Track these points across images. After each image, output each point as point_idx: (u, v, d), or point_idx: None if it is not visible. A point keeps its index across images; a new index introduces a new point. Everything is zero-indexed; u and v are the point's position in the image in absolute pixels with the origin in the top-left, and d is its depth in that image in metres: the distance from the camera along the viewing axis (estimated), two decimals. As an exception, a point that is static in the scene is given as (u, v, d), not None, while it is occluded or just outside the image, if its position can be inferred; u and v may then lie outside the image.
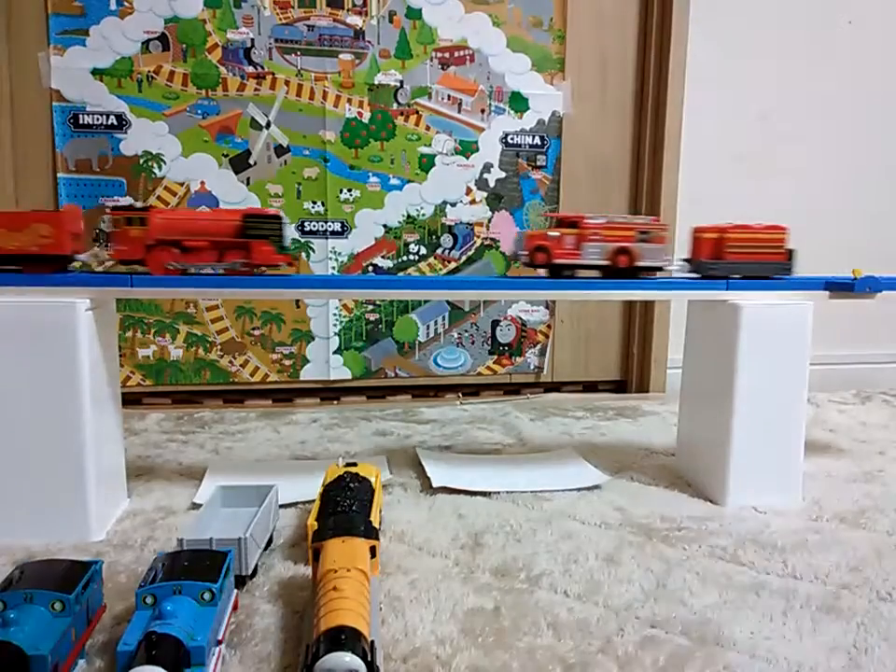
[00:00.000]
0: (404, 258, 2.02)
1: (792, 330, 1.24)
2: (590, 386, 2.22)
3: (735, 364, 1.24)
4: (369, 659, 0.69)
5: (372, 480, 1.11)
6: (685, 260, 1.31)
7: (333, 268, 1.97)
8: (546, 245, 1.25)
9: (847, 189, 2.25)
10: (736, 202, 2.05)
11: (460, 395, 2.08)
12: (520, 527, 1.14)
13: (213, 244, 1.14)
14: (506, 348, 2.13)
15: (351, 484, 1.04)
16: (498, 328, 2.11)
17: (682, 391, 1.45)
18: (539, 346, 2.15)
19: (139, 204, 1.16)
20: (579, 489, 1.31)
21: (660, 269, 1.27)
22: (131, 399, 1.92)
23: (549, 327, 2.14)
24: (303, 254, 1.96)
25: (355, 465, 1.15)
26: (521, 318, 2.12)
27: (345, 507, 0.97)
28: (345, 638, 0.68)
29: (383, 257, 2.00)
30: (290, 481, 1.28)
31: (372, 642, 0.72)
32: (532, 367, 2.15)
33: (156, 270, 1.13)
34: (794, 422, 1.28)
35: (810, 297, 1.27)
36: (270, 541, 1.05)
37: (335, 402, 2.03)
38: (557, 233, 1.26)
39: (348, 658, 0.67)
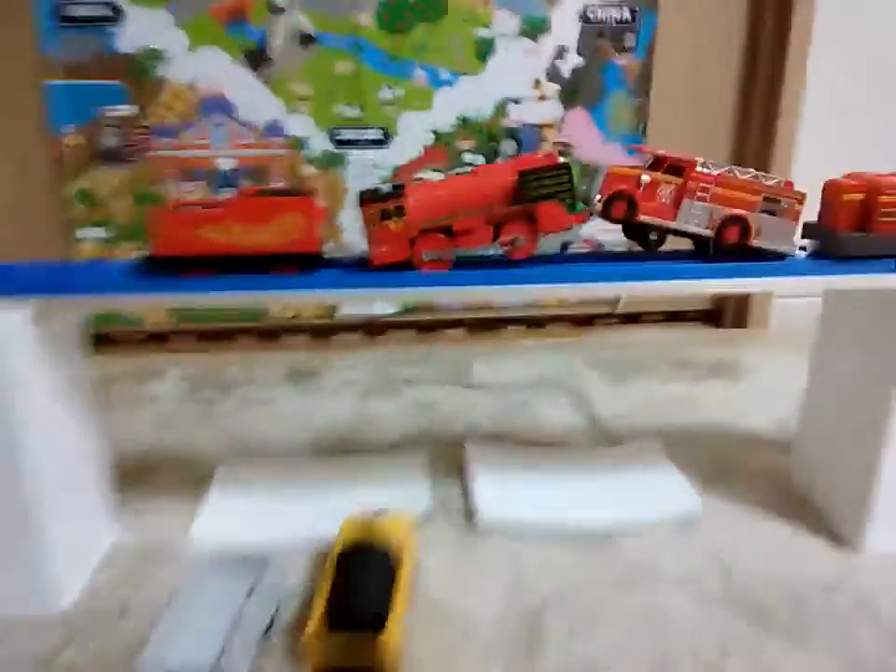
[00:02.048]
0: (457, 169, 1.68)
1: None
2: (674, 316, 1.90)
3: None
4: None
5: (400, 542, 0.88)
6: (810, 231, 0.95)
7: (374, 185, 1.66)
8: (631, 192, 0.90)
9: None
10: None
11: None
12: (592, 600, 0.90)
13: (487, 218, 0.88)
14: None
15: (366, 565, 0.81)
16: (569, 249, 1.79)
17: (811, 380, 1.13)
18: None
19: (385, 187, 0.90)
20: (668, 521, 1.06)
21: (784, 256, 0.93)
22: (156, 336, 1.72)
23: (631, 247, 1.80)
24: (338, 168, 1.64)
25: (382, 514, 0.91)
26: (596, 240, 1.78)
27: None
28: None
29: (432, 170, 1.67)
30: (308, 502, 1.08)
31: None
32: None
33: (425, 266, 0.89)
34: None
35: None
36: (271, 624, 0.83)
37: (377, 340, 1.78)
38: (649, 178, 0.92)
39: None
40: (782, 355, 1.62)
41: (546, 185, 0.87)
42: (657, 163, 0.93)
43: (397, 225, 0.87)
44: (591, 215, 0.92)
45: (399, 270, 0.89)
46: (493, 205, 0.88)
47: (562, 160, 0.90)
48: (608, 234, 1.77)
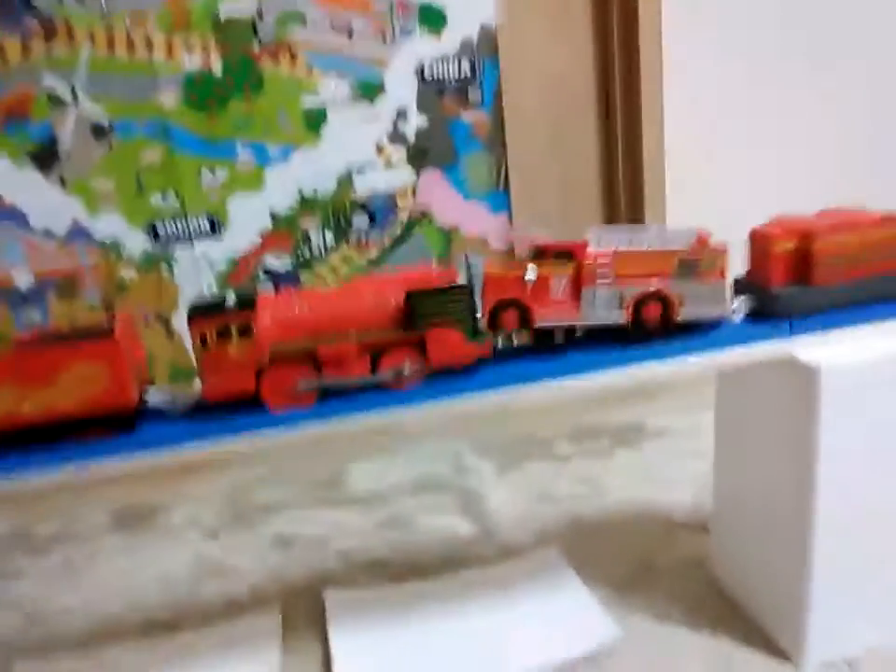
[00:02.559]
0: (305, 252, 1.49)
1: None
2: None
3: (816, 453, 0.76)
4: None
5: None
6: (741, 287, 0.80)
7: (209, 282, 1.44)
8: (518, 297, 0.73)
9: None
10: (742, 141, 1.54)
11: None
12: None
13: (364, 345, 0.70)
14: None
15: None
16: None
17: (717, 456, 0.96)
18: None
19: (229, 298, 0.72)
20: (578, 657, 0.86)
21: (718, 322, 0.77)
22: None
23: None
24: (163, 268, 1.42)
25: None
26: (474, 307, 1.61)
27: None
28: None
29: (277, 255, 1.47)
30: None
31: None
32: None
33: (277, 403, 0.69)
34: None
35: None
36: None
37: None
38: (535, 274, 0.74)
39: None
40: (696, 409, 1.46)
41: (441, 309, 0.71)
42: (540, 253, 0.76)
43: (240, 349, 0.67)
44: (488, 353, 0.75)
45: (247, 407, 0.69)
46: (371, 329, 0.70)
47: (461, 280, 0.73)
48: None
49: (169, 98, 1.36)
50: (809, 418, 0.75)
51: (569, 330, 0.77)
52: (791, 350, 0.76)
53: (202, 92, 1.36)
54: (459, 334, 0.71)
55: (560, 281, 0.74)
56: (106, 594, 1.08)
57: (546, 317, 0.74)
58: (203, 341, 0.67)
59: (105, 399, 0.66)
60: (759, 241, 0.79)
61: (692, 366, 0.76)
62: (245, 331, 0.67)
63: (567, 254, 0.74)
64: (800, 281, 0.77)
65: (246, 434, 0.70)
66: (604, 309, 0.74)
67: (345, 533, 1.17)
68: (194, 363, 0.68)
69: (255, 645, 0.93)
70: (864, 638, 0.85)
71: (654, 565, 1.02)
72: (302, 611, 0.98)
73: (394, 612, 0.96)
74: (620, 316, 0.74)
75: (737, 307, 0.77)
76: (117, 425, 0.68)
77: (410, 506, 1.23)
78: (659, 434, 1.41)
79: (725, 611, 0.93)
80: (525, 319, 0.73)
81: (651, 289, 0.73)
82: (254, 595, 1.04)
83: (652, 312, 0.74)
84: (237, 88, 1.37)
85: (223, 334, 0.67)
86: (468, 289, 0.71)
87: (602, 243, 0.74)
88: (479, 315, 0.73)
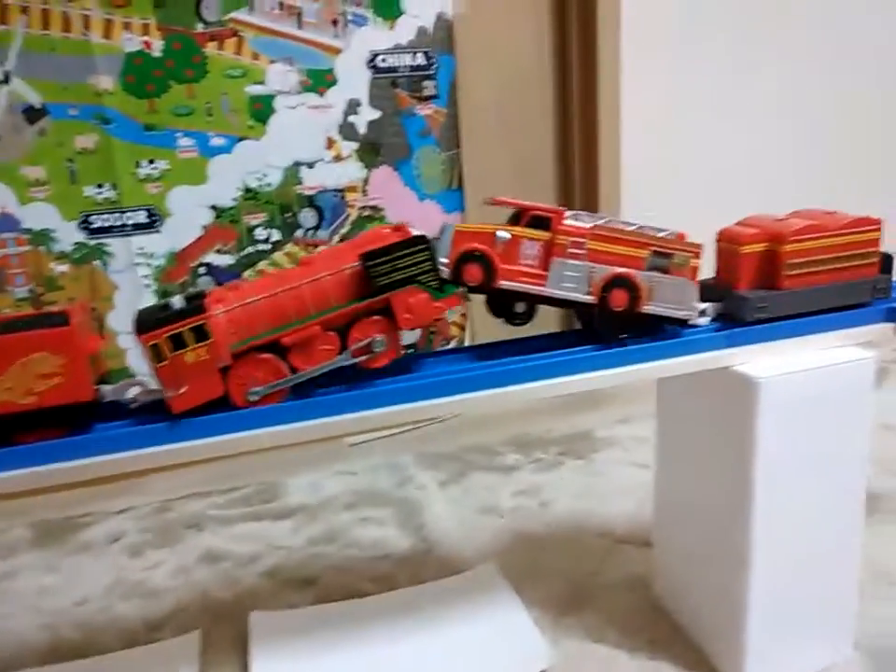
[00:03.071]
0: (250, 249, 1.43)
1: (843, 407, 0.73)
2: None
3: (752, 470, 0.72)
4: None
5: None
6: (707, 291, 0.75)
7: (147, 277, 1.38)
8: (485, 251, 0.68)
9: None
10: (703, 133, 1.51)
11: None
12: None
13: (327, 322, 0.66)
14: (411, 350, 1.58)
15: None
16: (397, 324, 1.56)
17: (658, 460, 0.93)
18: (455, 342, 1.61)
19: (176, 301, 0.67)
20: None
21: (682, 322, 0.73)
22: None
23: (464, 316, 1.59)
24: (97, 262, 1.35)
25: None
26: (426, 308, 1.56)
27: None
28: None
29: (218, 251, 1.41)
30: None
31: None
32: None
33: (248, 403, 0.65)
34: (845, 546, 0.79)
35: (864, 337, 0.74)
36: None
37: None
38: (508, 234, 0.69)
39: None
40: (648, 417, 1.43)
41: (400, 267, 0.66)
42: (518, 217, 0.72)
43: (198, 354, 0.62)
44: (466, 297, 0.71)
45: (214, 409, 0.64)
46: (333, 304, 0.66)
47: (416, 231, 0.68)
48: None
49: (108, 81, 1.29)
50: (748, 431, 0.72)
51: (532, 299, 0.73)
52: (731, 361, 0.73)
53: (141, 77, 1.29)
54: (425, 294, 0.66)
55: (532, 246, 0.70)
56: (21, 613, 1.01)
57: (511, 279, 0.69)
58: (158, 353, 0.62)
59: (60, 394, 0.60)
60: (727, 242, 0.76)
61: (628, 376, 0.72)
62: (201, 334, 0.62)
63: (544, 220, 0.70)
64: (768, 284, 0.73)
65: (213, 438, 0.64)
66: (571, 283, 0.70)
67: (276, 549, 1.12)
68: (152, 377, 0.63)
69: (171, 670, 0.87)
70: (806, 662, 0.83)
71: (595, 583, 0.99)
72: (226, 635, 0.93)
73: (321, 635, 0.91)
74: (587, 295, 0.70)
75: (705, 311, 0.74)
76: (70, 422, 0.62)
77: (345, 520, 1.18)
78: (609, 443, 1.38)
79: (666, 633, 0.89)
80: (488, 276, 0.69)
81: (622, 272, 0.69)
82: (174, 616, 0.98)
83: (619, 299, 0.70)
84: (178, 72, 1.31)
85: (178, 342, 0.62)
86: (424, 240, 0.66)
87: (581, 217, 0.71)
88: (443, 263, 0.68)
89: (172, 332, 0.62)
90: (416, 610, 0.95)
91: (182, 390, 0.62)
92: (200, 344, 0.62)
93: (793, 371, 0.71)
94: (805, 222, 0.73)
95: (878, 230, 0.74)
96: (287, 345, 0.65)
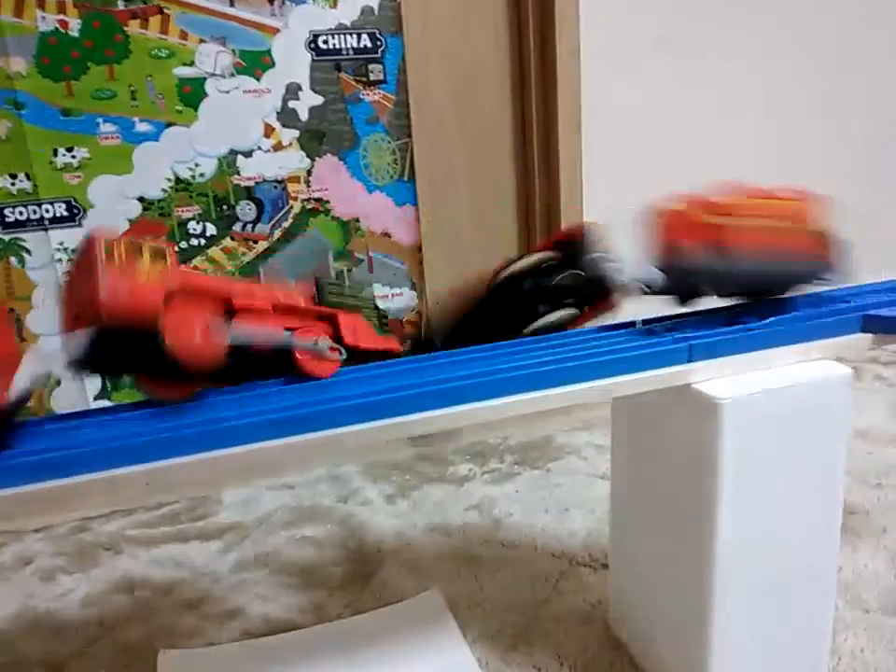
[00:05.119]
0: (182, 244, 1.32)
1: (815, 427, 0.65)
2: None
3: (715, 494, 0.64)
4: None
5: None
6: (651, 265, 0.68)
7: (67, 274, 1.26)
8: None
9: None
10: (662, 111, 1.43)
11: None
12: None
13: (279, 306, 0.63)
14: (362, 353, 1.48)
15: None
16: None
17: (614, 475, 0.84)
18: (409, 342, 1.51)
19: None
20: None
21: None
22: None
23: (419, 314, 1.50)
24: (13, 259, 1.24)
25: None
26: (378, 307, 1.47)
27: None
28: None
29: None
30: None
31: None
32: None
33: (179, 342, 0.55)
34: (819, 574, 0.71)
35: (840, 350, 0.66)
36: None
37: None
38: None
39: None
40: (604, 424, 1.35)
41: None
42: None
43: (151, 272, 0.55)
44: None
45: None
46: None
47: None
48: (391, 300, 1.46)
49: (19, 63, 1.17)
50: (710, 454, 0.64)
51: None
52: (691, 379, 0.64)
53: (57, 58, 1.18)
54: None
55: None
56: None
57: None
58: (110, 253, 0.54)
59: None
60: (667, 219, 0.68)
61: (577, 395, 0.64)
62: (160, 256, 0.56)
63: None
64: (711, 257, 0.66)
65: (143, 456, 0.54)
66: None
67: (200, 575, 1.02)
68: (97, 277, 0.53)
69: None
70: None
71: (547, 612, 0.90)
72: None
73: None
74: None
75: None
76: None
77: (280, 541, 1.09)
78: (568, 451, 1.30)
79: (621, 668, 0.81)
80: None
81: None
82: (80, 655, 0.88)
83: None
84: (98, 53, 1.20)
85: (133, 252, 0.55)
86: None
87: None
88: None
89: (131, 242, 0.56)
90: (348, 645, 0.86)
91: (123, 291, 0.54)
92: (155, 265, 0.56)
93: (759, 390, 0.62)
94: (745, 195, 0.67)
95: (807, 203, 0.68)
96: (237, 309, 0.60)
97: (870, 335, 0.67)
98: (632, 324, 0.73)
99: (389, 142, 1.39)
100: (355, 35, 1.31)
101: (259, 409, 0.58)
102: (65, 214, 1.24)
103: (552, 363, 0.63)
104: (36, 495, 0.52)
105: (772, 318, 0.67)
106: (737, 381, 0.64)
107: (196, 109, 1.26)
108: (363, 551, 1.05)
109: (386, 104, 1.36)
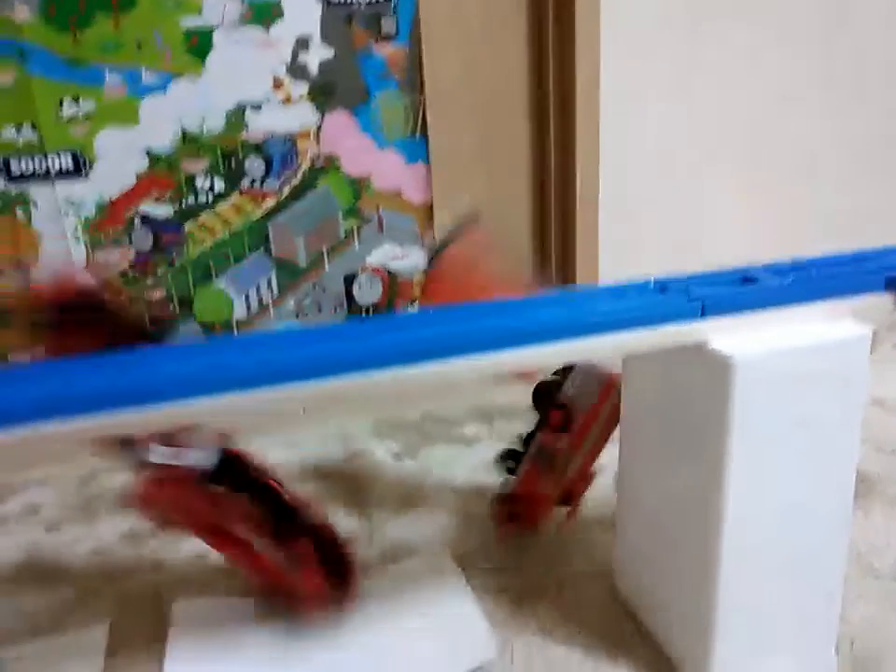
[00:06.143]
0: (190, 199, 1.30)
1: (832, 390, 0.63)
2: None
3: (725, 457, 0.62)
4: None
5: None
6: None
7: (75, 229, 1.25)
8: None
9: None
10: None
11: None
12: None
13: None
14: (370, 312, 1.47)
15: None
16: (356, 284, 1.44)
17: (623, 437, 0.83)
18: (417, 304, 1.50)
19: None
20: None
21: None
22: None
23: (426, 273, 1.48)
24: (19, 211, 1.23)
25: None
26: (388, 268, 1.45)
27: None
28: None
29: (155, 201, 1.29)
30: None
31: None
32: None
33: None
34: (830, 543, 0.70)
35: (861, 311, 0.64)
36: None
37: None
38: None
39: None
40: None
41: None
42: None
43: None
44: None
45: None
46: None
47: None
48: (402, 260, 1.44)
49: (24, 12, 1.14)
50: (722, 415, 0.62)
51: None
52: (704, 337, 0.62)
53: (63, 7, 1.15)
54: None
55: None
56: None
57: None
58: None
59: None
60: None
61: (589, 351, 0.62)
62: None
63: None
64: None
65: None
66: None
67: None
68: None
69: (72, 665, 0.78)
70: (782, 668, 0.74)
71: (555, 572, 0.90)
72: (139, 626, 0.83)
73: (250, 626, 0.82)
74: None
75: None
76: None
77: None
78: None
79: (627, 631, 0.81)
80: None
81: None
82: (84, 602, 0.88)
83: None
84: (104, 2, 1.17)
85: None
86: None
87: None
88: None
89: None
90: (359, 598, 0.86)
91: None
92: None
93: (775, 348, 0.61)
94: None
95: None
96: None
97: (893, 296, 0.64)
98: (646, 283, 0.70)
99: (401, 97, 1.35)
100: (367, -14, 1.28)
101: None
102: (71, 167, 1.22)
103: (565, 318, 0.61)
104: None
105: (790, 276, 0.65)
106: (752, 339, 0.62)
107: (203, 61, 1.24)
108: (369, 508, 1.05)
109: (399, 58, 1.33)
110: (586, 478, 0.90)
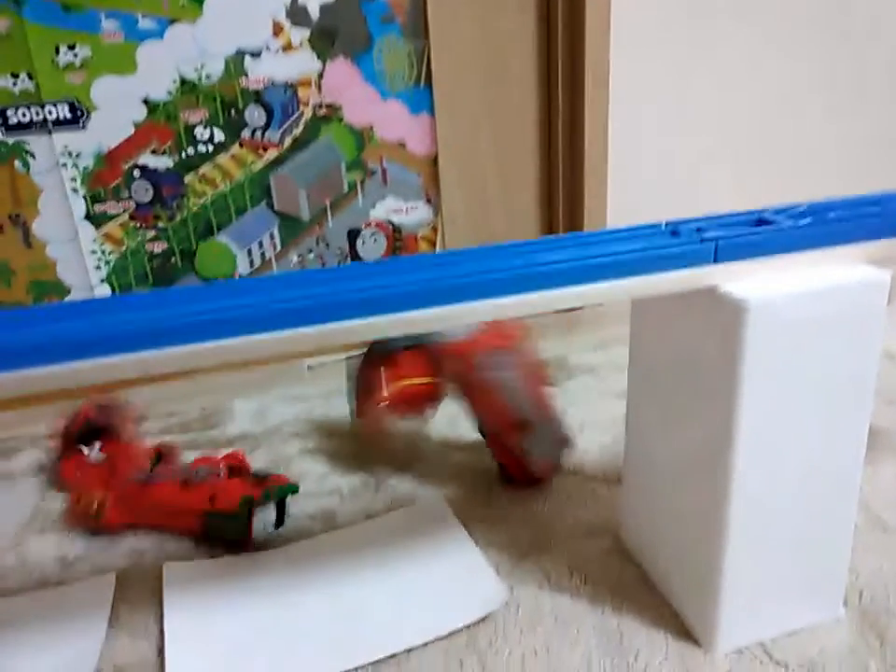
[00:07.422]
0: (189, 150, 1.27)
1: (847, 336, 0.61)
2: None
3: (736, 406, 0.61)
4: None
5: None
6: None
7: (74, 181, 1.23)
8: None
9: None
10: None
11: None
12: None
13: None
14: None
15: None
16: (360, 239, 1.42)
17: (630, 388, 0.82)
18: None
19: None
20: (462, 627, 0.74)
21: None
22: None
23: (435, 230, 1.45)
24: (17, 163, 1.21)
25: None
26: (392, 222, 1.43)
27: None
28: None
29: (153, 152, 1.26)
30: None
31: None
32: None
33: None
34: (840, 495, 0.68)
35: (880, 257, 0.61)
36: None
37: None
38: None
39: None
40: (621, 343, 1.32)
41: None
42: None
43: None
44: None
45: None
46: None
47: None
48: (407, 214, 1.42)
49: (14, -48, 1.11)
50: (733, 362, 0.60)
51: None
52: (716, 281, 0.60)
53: (53, -55, 1.12)
54: None
55: None
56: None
57: None
58: None
59: None
60: None
61: (597, 295, 0.60)
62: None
63: None
64: None
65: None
66: None
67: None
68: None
69: (80, 615, 0.78)
70: (789, 621, 0.74)
71: (559, 525, 0.89)
72: (144, 578, 0.83)
73: (251, 583, 0.82)
74: None
75: None
76: None
77: (291, 451, 1.08)
78: (583, 370, 1.27)
79: (631, 584, 0.80)
80: None
81: None
82: (89, 559, 0.88)
83: None
84: (97, -58, 1.13)
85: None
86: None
87: None
88: None
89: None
90: (358, 549, 0.86)
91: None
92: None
93: (789, 291, 0.59)
94: None
95: None
96: None
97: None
98: (657, 226, 0.68)
99: (405, 43, 1.31)
100: (369, -75, 1.23)
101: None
102: (69, 116, 1.20)
103: (572, 261, 0.59)
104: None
105: (807, 218, 0.62)
106: (765, 283, 0.60)
107: (201, 5, 1.20)
108: (374, 462, 1.04)
109: (403, 2, 1.29)
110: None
